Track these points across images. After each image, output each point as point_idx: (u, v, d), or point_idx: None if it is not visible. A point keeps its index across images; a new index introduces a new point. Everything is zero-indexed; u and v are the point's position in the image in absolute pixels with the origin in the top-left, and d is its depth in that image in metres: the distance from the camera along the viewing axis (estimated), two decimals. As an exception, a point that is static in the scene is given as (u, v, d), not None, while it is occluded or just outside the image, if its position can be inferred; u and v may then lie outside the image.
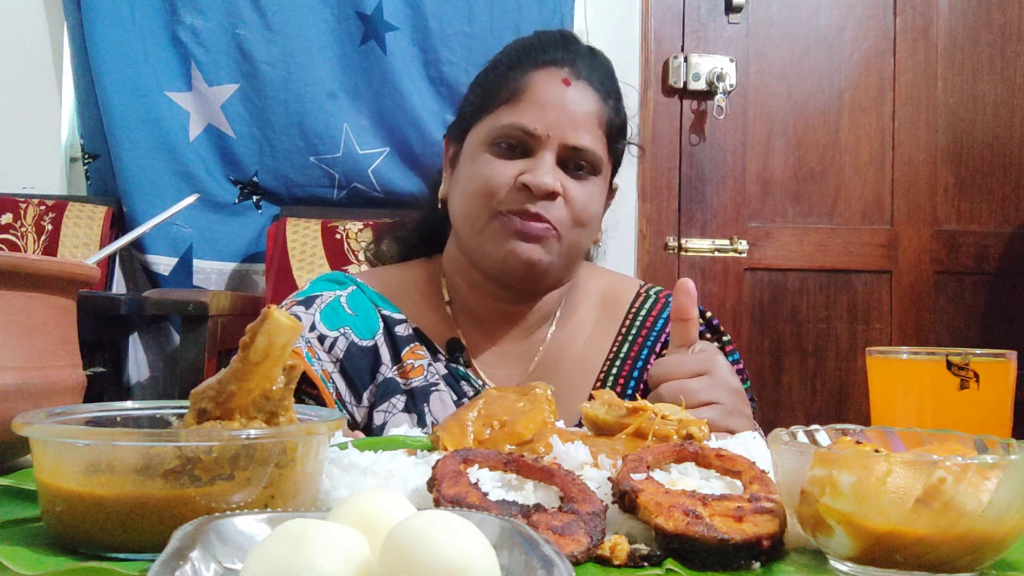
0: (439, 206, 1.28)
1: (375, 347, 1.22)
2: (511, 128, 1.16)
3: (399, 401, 1.19)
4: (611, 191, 1.30)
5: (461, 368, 1.22)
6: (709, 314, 1.29)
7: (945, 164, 3.06)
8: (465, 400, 1.19)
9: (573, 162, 1.17)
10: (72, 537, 0.55)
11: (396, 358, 1.22)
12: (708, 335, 1.27)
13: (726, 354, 1.26)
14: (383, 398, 1.19)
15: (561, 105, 1.16)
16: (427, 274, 1.30)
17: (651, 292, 1.32)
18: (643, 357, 1.26)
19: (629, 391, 1.24)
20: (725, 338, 1.28)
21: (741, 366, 1.27)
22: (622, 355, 1.26)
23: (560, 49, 1.22)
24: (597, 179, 1.19)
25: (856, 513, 0.52)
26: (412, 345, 1.23)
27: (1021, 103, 3.08)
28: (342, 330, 1.21)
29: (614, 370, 1.25)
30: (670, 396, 0.93)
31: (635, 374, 1.25)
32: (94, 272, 0.84)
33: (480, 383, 1.22)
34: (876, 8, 3.04)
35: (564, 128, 1.15)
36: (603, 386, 1.24)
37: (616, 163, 1.26)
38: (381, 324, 1.24)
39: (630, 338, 1.27)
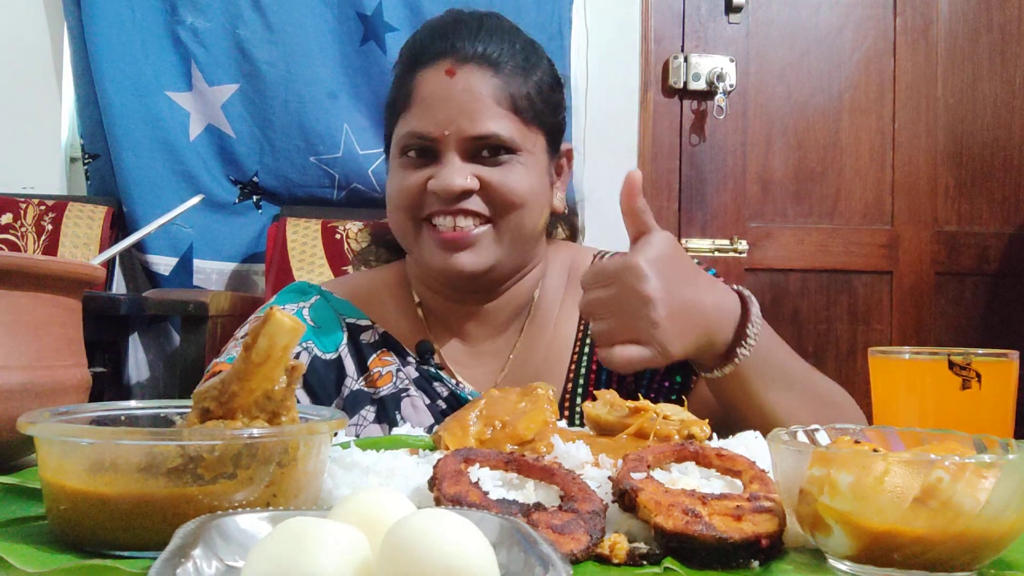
0: None
1: (339, 359, 1.19)
2: (408, 137, 1.13)
3: (369, 412, 1.17)
4: (562, 155, 1.22)
5: (432, 369, 1.19)
6: None
7: (945, 164, 3.06)
8: (439, 401, 1.17)
9: (482, 150, 1.11)
10: (76, 535, 0.55)
11: (363, 367, 1.20)
12: None
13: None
14: (352, 411, 1.17)
15: (449, 99, 1.10)
16: (398, 277, 1.28)
17: (605, 257, 1.26)
18: None
19: (605, 368, 1.18)
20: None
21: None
22: (590, 332, 1.20)
23: (439, 39, 1.14)
24: (520, 156, 1.12)
25: (854, 512, 0.52)
26: (379, 352, 1.20)
27: (1021, 103, 3.08)
28: (304, 345, 1.18)
29: (586, 350, 1.21)
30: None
31: None
32: (99, 273, 0.85)
33: (454, 383, 1.18)
34: (876, 8, 3.04)
35: (458, 121, 1.09)
36: (577, 369, 1.20)
37: (550, 128, 1.18)
38: (345, 334, 1.21)
39: None
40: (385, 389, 1.18)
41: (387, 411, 1.16)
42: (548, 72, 1.18)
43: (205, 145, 2.84)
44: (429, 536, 0.41)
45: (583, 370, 1.21)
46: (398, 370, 1.19)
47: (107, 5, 2.76)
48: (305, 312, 1.22)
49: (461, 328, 1.22)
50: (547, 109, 1.17)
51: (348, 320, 1.23)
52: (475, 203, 1.11)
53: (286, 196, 2.88)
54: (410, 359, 1.20)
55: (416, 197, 1.12)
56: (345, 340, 1.21)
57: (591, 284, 0.94)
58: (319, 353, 1.19)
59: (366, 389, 1.18)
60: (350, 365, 1.20)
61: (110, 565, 0.51)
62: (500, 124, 1.11)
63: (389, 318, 1.24)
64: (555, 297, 1.25)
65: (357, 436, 1.14)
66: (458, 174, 1.09)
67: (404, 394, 1.17)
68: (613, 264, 0.93)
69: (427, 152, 1.12)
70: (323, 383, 1.18)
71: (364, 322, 1.23)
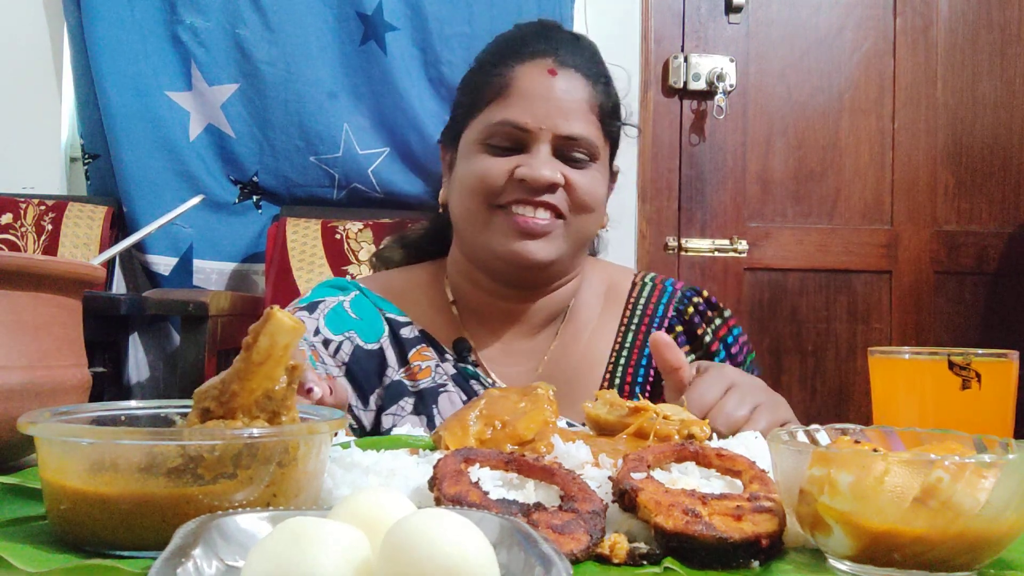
0: (440, 211, 1.28)
1: (381, 350, 1.22)
2: (502, 125, 1.15)
3: (407, 403, 1.19)
4: (612, 174, 1.29)
5: (470, 367, 1.22)
6: (706, 293, 1.29)
7: (945, 164, 3.06)
8: None
9: (569, 151, 1.16)
10: (76, 535, 0.55)
11: (403, 360, 1.22)
12: (709, 312, 1.27)
13: (730, 329, 1.26)
14: (391, 401, 1.19)
15: (549, 96, 1.15)
16: (431, 276, 1.30)
17: (647, 280, 1.32)
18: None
19: (639, 379, 1.24)
20: (727, 313, 1.28)
21: (745, 338, 1.27)
22: (627, 345, 1.26)
23: (542, 40, 1.21)
24: (596, 164, 1.19)
25: (854, 512, 0.52)
26: (419, 346, 1.23)
27: (1021, 103, 3.08)
28: (347, 334, 1.21)
29: (621, 361, 1.25)
30: (725, 427, 0.90)
31: (643, 362, 1.25)
32: (100, 273, 0.85)
33: (490, 381, 1.21)
34: (876, 8, 3.04)
35: (555, 118, 1.15)
36: (612, 378, 1.24)
37: (613, 145, 1.25)
38: (386, 327, 1.24)
39: (633, 328, 1.27)
40: (424, 383, 1.21)
41: (425, 404, 1.19)
42: (617, 97, 1.25)
43: (205, 145, 2.84)
44: (429, 536, 0.41)
45: (617, 381, 1.24)
46: (437, 366, 1.22)
47: (107, 5, 2.76)
48: (346, 304, 1.24)
49: (496, 326, 1.25)
50: (616, 128, 1.24)
51: (387, 315, 1.25)
52: (557, 198, 1.15)
53: (286, 196, 2.88)
54: (447, 356, 1.23)
55: (498, 184, 1.15)
56: (386, 332, 1.23)
57: (706, 404, 0.93)
58: (361, 343, 1.21)
59: (406, 381, 1.21)
60: (391, 356, 1.22)
61: (110, 565, 0.51)
62: (590, 129, 1.17)
63: (424, 316, 1.26)
64: (592, 310, 1.29)
65: (394, 425, 1.16)
66: (549, 167, 1.13)
67: (443, 389, 1.20)
68: (714, 378, 0.94)
69: (515, 143, 1.15)
70: (366, 372, 1.20)
71: (403, 318, 1.25)
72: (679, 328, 1.27)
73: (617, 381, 1.24)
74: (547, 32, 1.24)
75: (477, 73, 1.25)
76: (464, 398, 1.20)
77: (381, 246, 1.47)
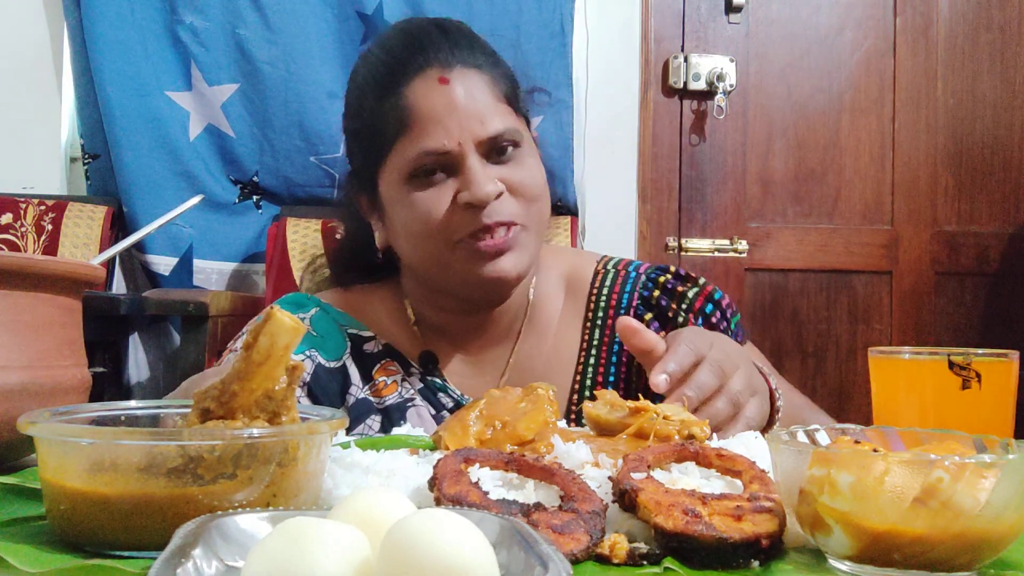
0: (379, 255, 1.21)
1: (343, 368, 1.18)
2: (421, 158, 1.07)
3: (374, 422, 1.16)
4: (535, 140, 1.20)
5: (438, 380, 1.18)
6: (674, 268, 1.22)
7: (945, 165, 3.06)
8: (444, 412, 1.16)
9: (495, 149, 1.08)
10: (76, 535, 0.55)
11: (367, 377, 1.18)
12: (680, 287, 1.20)
13: (708, 296, 1.19)
14: (357, 420, 1.15)
15: (452, 106, 1.06)
16: (391, 294, 1.25)
17: (609, 266, 1.25)
18: (618, 341, 1.19)
19: (611, 378, 1.19)
20: (702, 281, 1.21)
21: (727, 301, 1.20)
22: (595, 343, 1.20)
23: (417, 51, 1.10)
24: (522, 147, 1.11)
25: (854, 512, 0.52)
26: (383, 361, 1.19)
27: (1021, 104, 3.08)
28: (307, 353, 1.16)
29: (591, 361, 1.20)
30: (697, 396, 0.84)
31: (614, 359, 1.20)
32: (100, 273, 0.85)
33: (459, 393, 1.17)
34: (876, 8, 3.04)
35: (470, 126, 1.06)
36: (583, 380, 1.20)
37: (526, 112, 1.17)
38: (348, 344, 1.19)
39: (599, 323, 1.21)
40: (390, 398, 1.17)
41: (393, 420, 1.15)
42: (508, 67, 1.17)
43: (205, 145, 2.84)
44: (429, 536, 0.41)
45: (588, 381, 1.20)
46: (403, 380, 1.18)
47: (107, 5, 2.76)
48: (305, 322, 1.20)
49: (460, 340, 1.21)
50: (521, 96, 1.16)
51: (349, 331, 1.21)
52: (506, 206, 1.08)
53: (286, 196, 2.88)
54: (413, 370, 1.19)
55: (445, 218, 1.07)
56: (348, 349, 1.19)
57: (678, 375, 0.86)
58: (322, 361, 1.17)
59: (371, 398, 1.17)
60: (354, 373, 1.18)
61: (110, 565, 0.51)
62: (506, 120, 1.09)
63: (387, 332, 1.22)
64: (554, 304, 1.24)
65: None
66: (488, 181, 1.06)
67: (410, 403, 1.16)
68: (682, 351, 0.87)
69: (441, 167, 1.07)
70: (327, 392, 1.16)
71: (366, 333, 1.21)
72: (648, 316, 1.19)
73: (588, 383, 1.19)
74: (415, 40, 1.12)
75: (364, 111, 1.14)
76: (433, 412, 1.16)
77: (311, 281, 1.41)
